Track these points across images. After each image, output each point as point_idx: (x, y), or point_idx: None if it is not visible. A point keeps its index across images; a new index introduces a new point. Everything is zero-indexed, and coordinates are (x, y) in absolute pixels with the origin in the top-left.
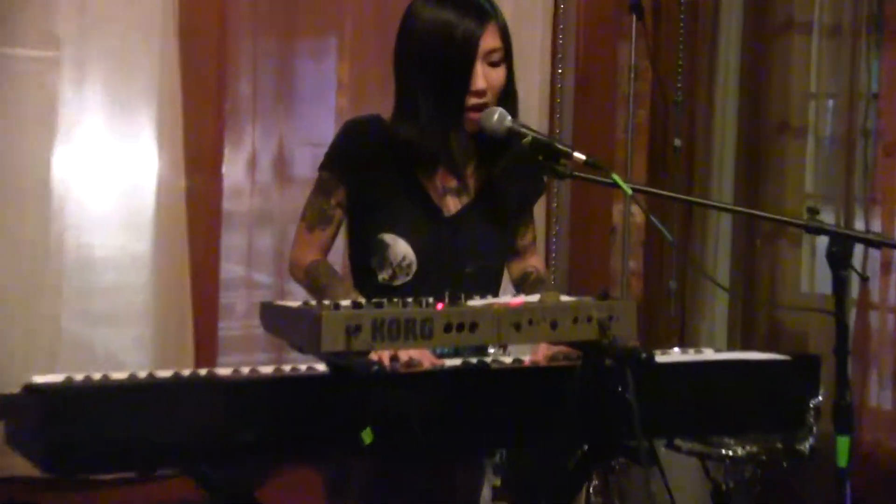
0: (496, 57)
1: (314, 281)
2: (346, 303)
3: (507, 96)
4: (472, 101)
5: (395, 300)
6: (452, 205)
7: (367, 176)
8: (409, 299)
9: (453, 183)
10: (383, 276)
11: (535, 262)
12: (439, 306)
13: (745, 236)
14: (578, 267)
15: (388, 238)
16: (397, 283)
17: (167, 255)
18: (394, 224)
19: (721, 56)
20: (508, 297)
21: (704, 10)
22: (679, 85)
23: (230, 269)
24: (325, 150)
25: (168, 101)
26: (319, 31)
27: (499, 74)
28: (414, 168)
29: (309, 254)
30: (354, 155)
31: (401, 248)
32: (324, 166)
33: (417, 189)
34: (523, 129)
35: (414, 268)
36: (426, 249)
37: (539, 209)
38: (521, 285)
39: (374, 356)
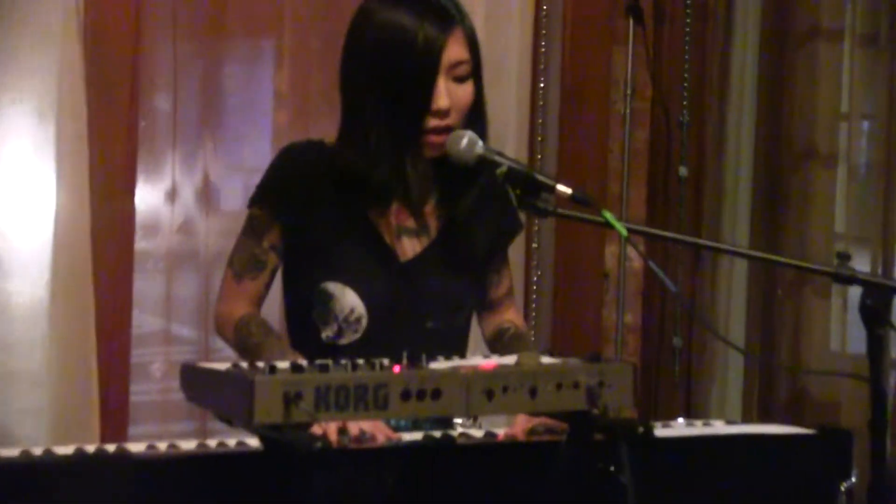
0: (462, 70)
1: (245, 339)
2: (283, 365)
3: (476, 118)
4: (434, 123)
5: (343, 362)
6: (409, 248)
7: (306, 213)
8: (360, 361)
9: (410, 222)
10: (327, 333)
11: (511, 316)
12: (396, 369)
13: (763, 285)
14: (563, 321)
15: (333, 288)
16: (344, 341)
17: (68, 303)
18: (339, 271)
19: (735, 68)
20: (479, 359)
21: (715, 13)
22: (685, 102)
23: (144, 320)
24: (258, 174)
25: (70, 116)
26: (252, 32)
27: (465, 91)
28: (363, 204)
29: (238, 307)
30: (291, 188)
31: (348, 299)
32: (254, 202)
33: (368, 229)
34: (497, 157)
35: (364, 323)
36: (378, 301)
37: (517, 252)
38: (496, 344)
39: (317, 429)
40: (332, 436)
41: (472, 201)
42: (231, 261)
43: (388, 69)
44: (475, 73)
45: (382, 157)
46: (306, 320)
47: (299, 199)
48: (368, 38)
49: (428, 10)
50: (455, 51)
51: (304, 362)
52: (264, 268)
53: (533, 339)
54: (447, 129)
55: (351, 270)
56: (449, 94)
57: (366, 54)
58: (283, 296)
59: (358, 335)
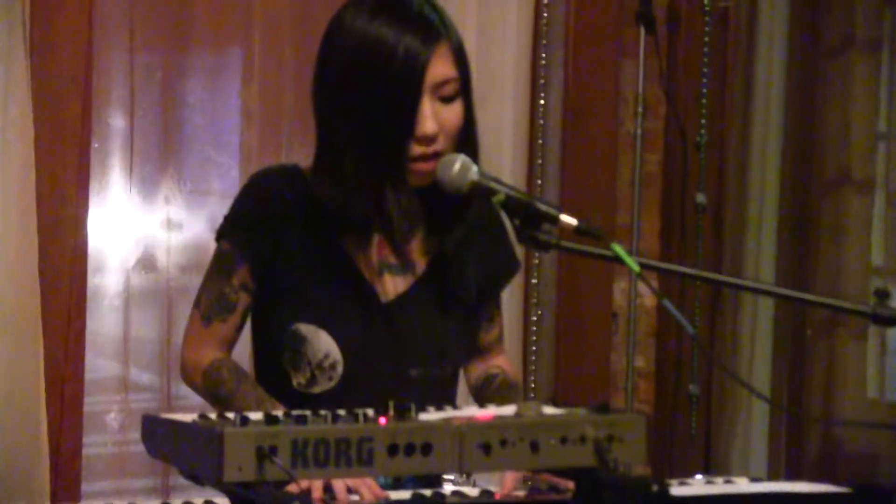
0: (450, 90)
1: (216, 388)
2: (256, 416)
3: (465, 141)
4: (419, 150)
5: (323, 413)
6: (392, 286)
7: (278, 247)
8: (342, 412)
9: (394, 257)
10: (299, 379)
11: (500, 361)
12: (382, 421)
13: (791, 326)
14: (567, 367)
15: (306, 330)
16: (317, 389)
17: (13, 345)
18: (313, 311)
19: (759, 82)
20: (474, 409)
21: (737, 22)
22: (702, 121)
23: (99, 364)
24: (226, 202)
25: (15, 138)
26: (218, 41)
27: (453, 113)
28: (341, 237)
29: (207, 352)
30: (262, 220)
31: (323, 343)
32: (223, 234)
33: (345, 265)
34: (493, 184)
35: (340, 370)
36: (356, 346)
37: (514, 288)
38: (483, 392)
39: (293, 488)
40: (317, 493)
41: (463, 234)
42: (198, 301)
43: (364, 88)
44: (464, 91)
45: (360, 188)
46: (276, 366)
47: (270, 232)
48: (342, 51)
49: (410, 20)
50: (441, 68)
51: (279, 413)
52: (234, 309)
53: (533, 386)
54: (435, 156)
55: (326, 311)
56: (435, 117)
57: (339, 70)
58: (252, 338)
59: (333, 383)
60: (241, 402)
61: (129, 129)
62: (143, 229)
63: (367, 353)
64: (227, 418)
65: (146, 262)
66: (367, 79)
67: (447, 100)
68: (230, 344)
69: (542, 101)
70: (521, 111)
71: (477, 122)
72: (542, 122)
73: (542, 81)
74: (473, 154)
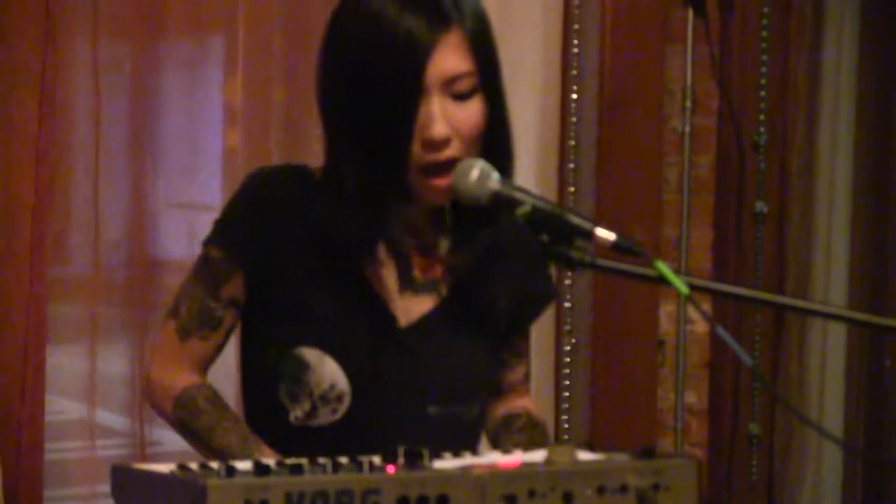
0: (464, 85)
1: (190, 420)
2: (244, 465)
3: (495, 146)
4: (429, 157)
5: (322, 461)
6: (412, 308)
7: (279, 257)
8: (343, 459)
9: (416, 274)
10: (297, 412)
11: (525, 402)
12: (390, 469)
13: (867, 356)
14: (606, 404)
15: (310, 355)
16: (318, 421)
17: None
18: (319, 333)
19: (827, 72)
20: (497, 455)
21: (801, 2)
22: (761, 117)
23: (62, 406)
24: (207, 214)
25: None
26: (196, 28)
27: (470, 113)
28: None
29: (181, 375)
30: (261, 224)
31: (328, 370)
32: (213, 240)
33: (358, 282)
34: (518, 194)
35: (346, 402)
36: (367, 376)
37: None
38: (502, 435)
39: None
40: None
41: (486, 252)
42: (175, 310)
43: (360, 81)
44: (487, 87)
45: (358, 202)
46: (270, 395)
47: (270, 238)
48: (343, 34)
49: (416, 1)
50: (450, 61)
51: (270, 461)
52: (218, 326)
53: (567, 427)
54: (450, 165)
55: (333, 334)
56: (447, 118)
57: (339, 58)
58: (239, 362)
59: (336, 416)
60: (220, 439)
61: (94, 132)
62: (110, 247)
63: (378, 385)
64: (211, 468)
65: (115, 286)
66: (365, 69)
67: (462, 97)
68: (207, 365)
69: (574, 96)
70: (549, 107)
71: (509, 124)
72: (574, 119)
73: (573, 72)
74: (504, 162)
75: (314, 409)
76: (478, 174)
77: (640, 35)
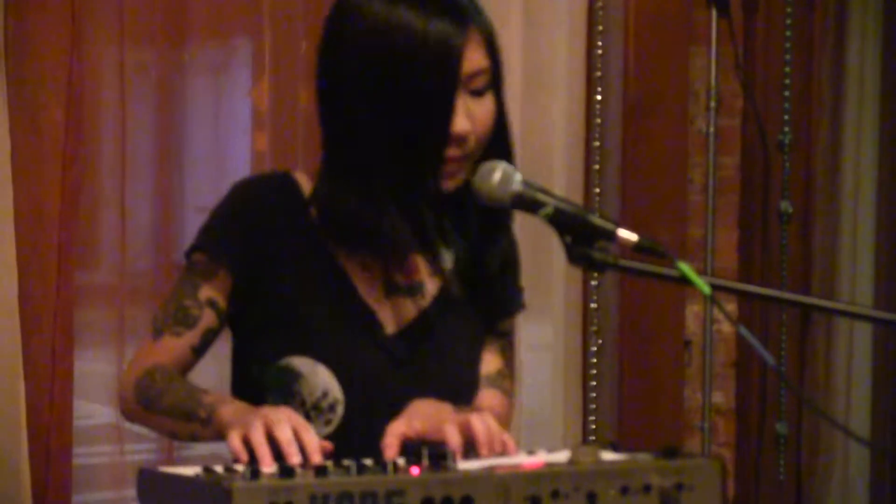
0: (481, 82)
1: (146, 392)
2: (270, 469)
3: (498, 141)
4: (451, 152)
5: (346, 463)
6: (399, 314)
7: (266, 263)
8: (367, 461)
9: (400, 277)
10: None
11: (488, 398)
12: (415, 471)
13: (893, 355)
14: (633, 405)
15: (301, 364)
16: None
17: None
18: (310, 341)
19: (852, 72)
20: (522, 456)
21: (825, 1)
22: (786, 117)
23: (90, 411)
24: None
25: None
26: (223, 33)
27: (486, 108)
28: (337, 254)
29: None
30: (247, 230)
31: (321, 379)
32: (199, 246)
33: (345, 287)
34: (540, 195)
35: (340, 411)
36: (360, 384)
37: (571, 315)
38: None
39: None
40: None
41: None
42: (153, 318)
43: (390, 82)
44: (495, 84)
45: (392, 202)
46: (260, 405)
47: (256, 244)
48: (358, 39)
49: (435, 3)
50: (474, 57)
51: (296, 464)
52: (193, 324)
53: (594, 427)
54: (466, 158)
55: (324, 341)
56: (468, 114)
57: (357, 62)
58: (231, 376)
59: (330, 428)
60: (171, 397)
61: (121, 138)
62: (137, 253)
63: (372, 393)
64: (236, 471)
65: (142, 292)
66: (394, 71)
67: (478, 93)
68: (182, 365)
69: (598, 97)
70: (574, 108)
71: (509, 121)
72: (598, 120)
73: (598, 74)
74: (508, 157)
75: (307, 418)
76: (500, 176)
77: (665, 36)
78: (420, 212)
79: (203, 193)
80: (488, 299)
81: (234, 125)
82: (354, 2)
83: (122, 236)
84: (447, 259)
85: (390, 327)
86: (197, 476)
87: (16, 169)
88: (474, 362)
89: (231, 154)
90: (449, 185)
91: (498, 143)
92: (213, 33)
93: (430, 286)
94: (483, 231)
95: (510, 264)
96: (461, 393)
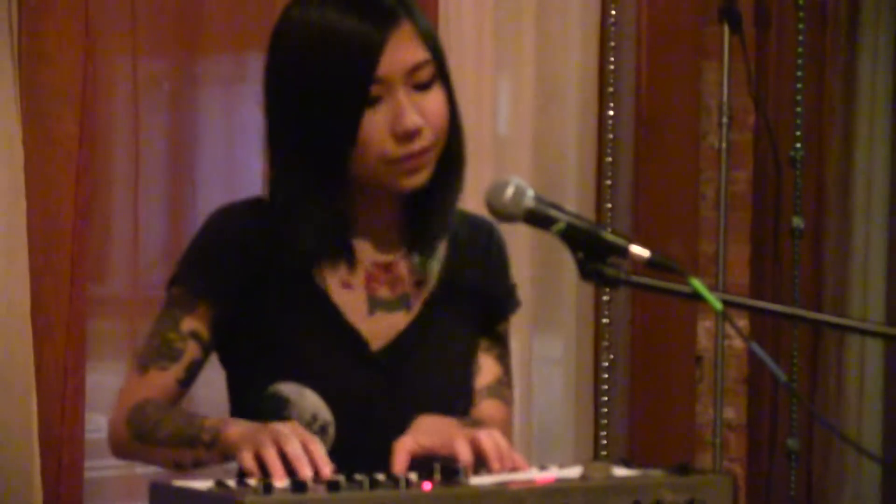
0: (426, 75)
1: (139, 426)
2: (282, 483)
3: (452, 135)
4: (402, 150)
5: (359, 478)
6: (383, 329)
7: (246, 292)
8: (380, 476)
9: (384, 290)
10: None
11: (484, 407)
12: (427, 486)
13: None
14: (644, 420)
15: (288, 390)
16: None
17: (3, 403)
18: (294, 367)
19: (863, 87)
20: (533, 471)
21: (836, 17)
22: (798, 132)
23: (101, 423)
24: None
25: (1, 164)
26: (236, 46)
27: (435, 100)
28: (317, 275)
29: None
30: (223, 260)
31: (309, 403)
32: (177, 279)
33: (326, 308)
34: (553, 211)
35: (331, 432)
36: (349, 403)
37: (583, 330)
38: None
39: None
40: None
41: (453, 259)
42: (137, 354)
43: (306, 85)
44: (443, 76)
45: (314, 207)
46: None
47: (235, 274)
48: (287, 48)
49: (359, 3)
50: (408, 52)
51: (307, 479)
52: (178, 357)
53: (605, 443)
54: (423, 154)
55: (309, 365)
56: (416, 109)
57: (283, 69)
58: (229, 405)
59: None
60: (168, 426)
61: (135, 150)
62: (150, 266)
63: (361, 411)
64: (248, 485)
65: (155, 306)
66: (310, 73)
67: (424, 87)
68: (170, 402)
69: (610, 112)
70: (586, 124)
71: (460, 112)
72: (611, 136)
73: (610, 89)
74: (460, 149)
75: None
76: (513, 192)
77: (677, 51)
78: (378, 214)
79: (216, 205)
80: (478, 304)
81: (247, 137)
82: (292, 11)
83: (135, 248)
84: (432, 268)
85: (376, 343)
86: (209, 490)
87: (29, 180)
88: (465, 372)
89: (244, 166)
90: (411, 182)
91: (454, 141)
92: (227, 45)
93: (415, 298)
94: (423, 239)
95: (499, 265)
96: (453, 404)
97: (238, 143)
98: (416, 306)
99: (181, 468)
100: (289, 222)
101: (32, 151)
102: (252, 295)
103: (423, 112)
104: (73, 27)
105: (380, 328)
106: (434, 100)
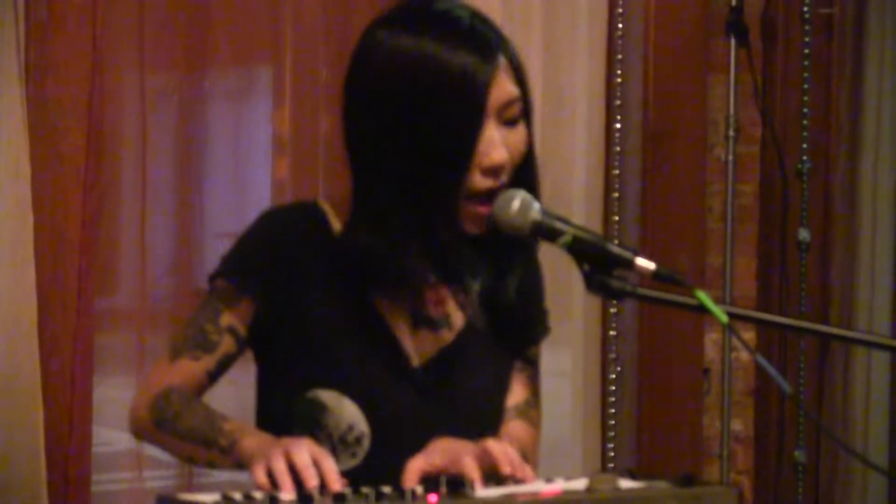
0: (514, 112)
1: (161, 414)
2: (288, 495)
3: (525, 171)
4: (487, 183)
5: (365, 490)
6: (426, 346)
7: (293, 293)
8: (386, 488)
9: (431, 309)
10: None
11: (515, 429)
12: (433, 498)
13: None
14: (651, 432)
15: (327, 396)
16: (338, 466)
17: (7, 417)
18: (336, 374)
19: (869, 100)
20: (540, 483)
21: (842, 30)
22: (804, 145)
23: (109, 437)
24: None
25: (8, 175)
26: (243, 60)
27: (519, 138)
28: (367, 286)
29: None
30: (274, 259)
31: (347, 412)
32: (221, 272)
33: (373, 319)
34: (559, 224)
35: (366, 445)
36: (387, 417)
37: (590, 342)
38: None
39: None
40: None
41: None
42: (171, 340)
43: (414, 115)
44: (526, 113)
45: (415, 241)
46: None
47: (284, 273)
48: (383, 73)
49: (463, 36)
50: (504, 86)
51: (314, 492)
52: (213, 349)
53: (612, 455)
54: (494, 193)
55: (350, 374)
56: (505, 144)
57: (380, 95)
58: (256, 404)
59: (356, 461)
60: (188, 420)
61: (142, 163)
62: (156, 279)
63: (397, 426)
64: (254, 498)
65: (161, 318)
66: (418, 103)
67: (511, 123)
68: (197, 388)
69: (618, 125)
70: (594, 136)
71: (536, 149)
72: (618, 148)
73: (617, 102)
74: (535, 187)
75: (333, 452)
76: (519, 204)
77: (683, 64)
78: (446, 247)
79: (223, 220)
80: (512, 328)
81: (255, 151)
82: (380, 36)
83: (143, 262)
84: (473, 290)
85: (417, 360)
86: (216, 503)
87: (36, 194)
88: (500, 394)
89: (252, 180)
90: (474, 230)
91: (525, 174)
92: (234, 59)
93: (457, 318)
94: (503, 259)
95: (534, 290)
96: (487, 425)
97: (245, 156)
98: (458, 326)
99: (194, 464)
100: (371, 245)
101: (40, 164)
102: (298, 298)
103: (508, 149)
104: (81, 40)
105: (422, 344)
106: (518, 138)
